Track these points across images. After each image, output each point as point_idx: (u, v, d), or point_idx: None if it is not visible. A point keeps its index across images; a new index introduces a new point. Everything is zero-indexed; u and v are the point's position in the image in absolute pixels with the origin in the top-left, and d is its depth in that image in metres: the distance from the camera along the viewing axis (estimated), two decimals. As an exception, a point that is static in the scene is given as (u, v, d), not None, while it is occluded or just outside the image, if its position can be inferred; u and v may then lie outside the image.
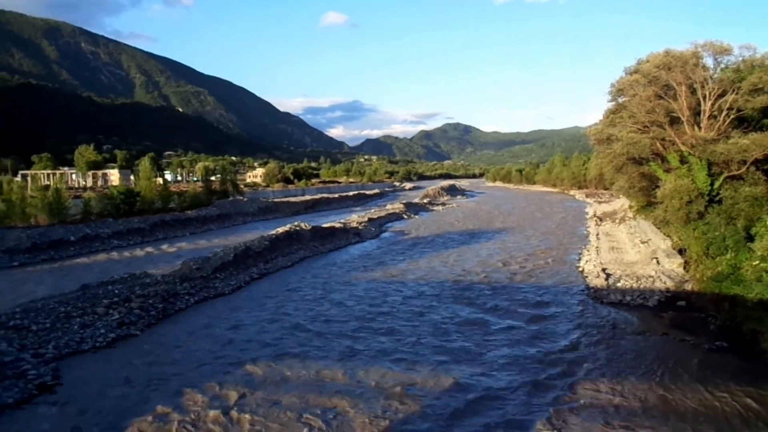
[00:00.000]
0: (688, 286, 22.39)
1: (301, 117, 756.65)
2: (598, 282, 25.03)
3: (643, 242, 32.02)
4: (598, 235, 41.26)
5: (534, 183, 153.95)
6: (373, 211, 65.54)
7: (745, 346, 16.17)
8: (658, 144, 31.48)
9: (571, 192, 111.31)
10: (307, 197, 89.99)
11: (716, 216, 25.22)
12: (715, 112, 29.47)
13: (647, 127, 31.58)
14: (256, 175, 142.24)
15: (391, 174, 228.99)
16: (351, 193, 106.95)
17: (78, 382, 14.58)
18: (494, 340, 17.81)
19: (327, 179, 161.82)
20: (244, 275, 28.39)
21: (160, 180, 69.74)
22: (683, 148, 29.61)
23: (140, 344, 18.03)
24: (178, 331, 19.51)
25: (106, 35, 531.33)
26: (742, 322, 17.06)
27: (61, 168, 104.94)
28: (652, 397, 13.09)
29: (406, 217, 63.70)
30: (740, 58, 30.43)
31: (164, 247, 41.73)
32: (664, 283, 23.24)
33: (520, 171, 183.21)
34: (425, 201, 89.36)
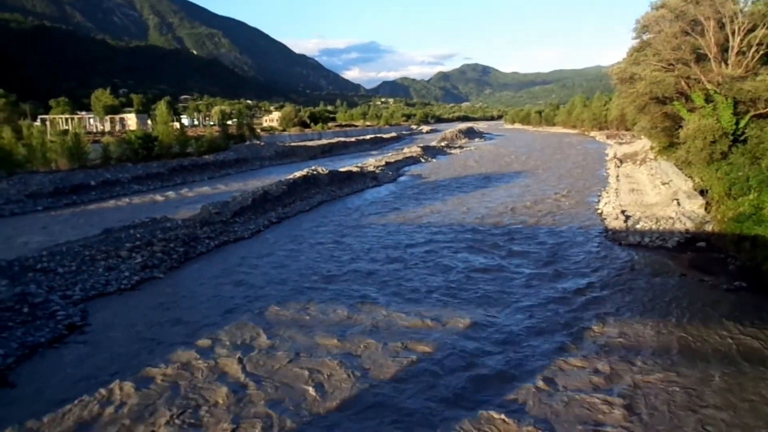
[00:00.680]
0: (709, 228, 22.18)
1: (316, 59, 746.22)
2: (617, 224, 24.88)
3: (663, 183, 31.60)
4: (617, 176, 40.76)
5: (554, 125, 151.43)
6: (390, 154, 65.18)
7: (764, 286, 16.13)
8: (682, 82, 30.57)
9: (592, 133, 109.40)
10: (324, 141, 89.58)
11: (740, 156, 24.68)
12: (744, 48, 28.35)
13: (672, 65, 30.59)
14: (272, 119, 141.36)
15: (408, 117, 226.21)
16: (368, 137, 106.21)
17: (106, 323, 15.05)
18: (511, 283, 17.93)
19: (343, 123, 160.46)
20: (262, 219, 28.66)
21: (176, 124, 69.90)
22: (709, 86, 28.72)
23: (163, 287, 18.46)
24: (200, 274, 19.91)
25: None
26: (763, 261, 16.96)
27: (78, 112, 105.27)
28: (670, 337, 13.18)
29: (423, 160, 63.33)
30: (774, -10, 29.03)
31: (183, 191, 42.15)
32: (684, 224, 23.03)
33: (540, 113, 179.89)
34: (442, 144, 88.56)
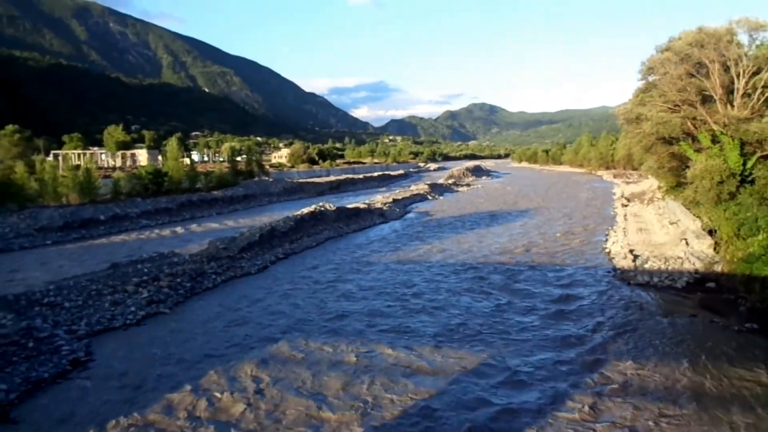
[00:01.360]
0: (718, 268, 21.99)
1: (326, 97, 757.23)
2: (625, 263, 24.72)
3: (671, 223, 31.48)
4: (625, 216, 40.66)
5: (561, 163, 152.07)
6: (397, 191, 65.50)
7: (776, 329, 15.86)
8: (688, 123, 30.77)
9: (599, 172, 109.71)
10: (332, 178, 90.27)
11: (748, 196, 24.64)
12: (749, 91, 28.62)
13: (678, 106, 30.86)
14: (281, 155, 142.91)
15: (416, 155, 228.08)
16: (375, 174, 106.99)
17: (110, 359, 14.96)
18: (519, 322, 17.74)
19: (352, 160, 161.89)
20: (269, 255, 28.69)
21: (187, 160, 70.68)
22: (715, 127, 28.89)
23: (169, 322, 18.40)
24: (206, 310, 19.85)
25: (134, 15, 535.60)
26: (774, 304, 16.72)
27: (91, 148, 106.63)
28: (680, 379, 12.93)
29: (430, 197, 63.54)
30: (777, 35, 29.46)
31: (191, 226, 42.37)
32: (693, 264, 22.84)
33: (547, 151, 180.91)
34: (450, 182, 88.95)
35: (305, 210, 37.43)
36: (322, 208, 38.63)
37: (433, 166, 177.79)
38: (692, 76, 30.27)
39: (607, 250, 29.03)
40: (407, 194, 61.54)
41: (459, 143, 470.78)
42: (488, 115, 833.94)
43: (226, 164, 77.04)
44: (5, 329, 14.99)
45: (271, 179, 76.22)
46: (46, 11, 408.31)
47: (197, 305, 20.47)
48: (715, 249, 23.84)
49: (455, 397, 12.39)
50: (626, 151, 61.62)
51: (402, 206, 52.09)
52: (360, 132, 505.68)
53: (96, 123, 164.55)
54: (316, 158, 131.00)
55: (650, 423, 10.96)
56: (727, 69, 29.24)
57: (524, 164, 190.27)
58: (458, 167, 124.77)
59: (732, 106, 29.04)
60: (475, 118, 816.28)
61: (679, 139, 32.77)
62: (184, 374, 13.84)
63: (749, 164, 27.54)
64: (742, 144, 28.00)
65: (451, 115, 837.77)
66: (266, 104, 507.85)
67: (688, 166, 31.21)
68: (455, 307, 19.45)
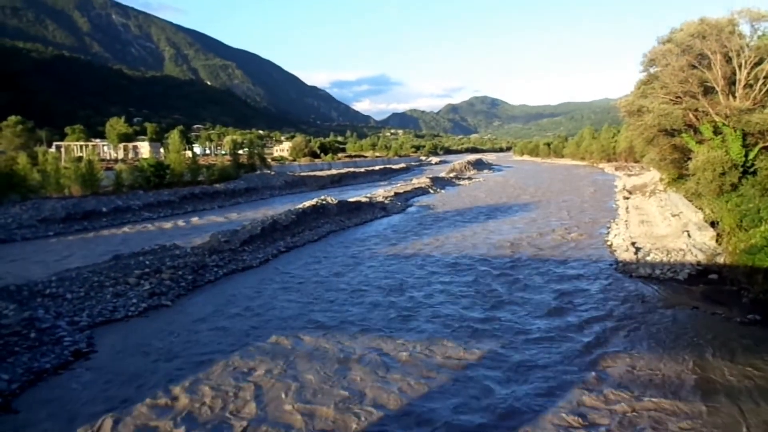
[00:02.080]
0: (720, 259, 21.95)
1: (327, 91, 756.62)
2: (627, 256, 24.68)
3: (673, 215, 31.42)
4: (627, 208, 40.58)
5: (562, 156, 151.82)
6: (399, 185, 65.37)
7: (778, 320, 15.85)
8: (690, 115, 30.68)
9: (600, 165, 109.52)
10: (334, 171, 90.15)
11: (750, 188, 24.59)
12: (751, 81, 28.52)
13: (680, 97, 30.76)
14: (282, 149, 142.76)
15: (417, 148, 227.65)
16: (377, 168, 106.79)
17: (111, 351, 15.00)
18: (520, 315, 17.75)
19: (353, 153, 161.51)
20: (271, 248, 28.70)
21: (189, 153, 70.60)
22: (717, 118, 28.79)
23: (171, 314, 18.43)
24: (207, 302, 19.87)
25: (136, 7, 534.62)
26: (776, 295, 16.71)
27: (93, 140, 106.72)
28: (682, 371, 12.91)
29: (432, 191, 63.49)
30: (779, 25, 29.35)
31: (193, 219, 42.39)
32: (695, 256, 22.80)
33: (548, 144, 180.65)
34: (451, 175, 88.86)
35: (307, 203, 37.40)
36: (324, 202, 38.60)
37: (434, 159, 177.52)
38: (694, 67, 30.16)
39: (608, 243, 28.98)
40: (409, 188, 61.41)
41: (460, 137, 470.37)
42: (490, 109, 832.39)
43: (228, 157, 76.85)
44: (8, 319, 15.03)
45: (273, 172, 76.11)
46: (48, 3, 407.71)
47: (199, 298, 20.50)
48: (717, 241, 23.81)
49: (456, 390, 12.41)
50: (628, 144, 61.64)
51: (404, 200, 52.03)
52: (362, 125, 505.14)
53: (98, 115, 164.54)
54: (318, 152, 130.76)
55: (652, 415, 10.95)
56: (728, 60, 29.13)
57: (526, 157, 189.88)
58: (460, 161, 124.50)
59: (734, 97, 28.95)
60: (476, 112, 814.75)
61: (680, 131, 32.69)
62: (185, 367, 13.86)
63: (751, 155, 27.47)
64: (744, 135, 27.92)
65: (453, 109, 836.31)
66: (268, 97, 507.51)
67: (689, 158, 31.16)
68: (457, 300, 19.45)
